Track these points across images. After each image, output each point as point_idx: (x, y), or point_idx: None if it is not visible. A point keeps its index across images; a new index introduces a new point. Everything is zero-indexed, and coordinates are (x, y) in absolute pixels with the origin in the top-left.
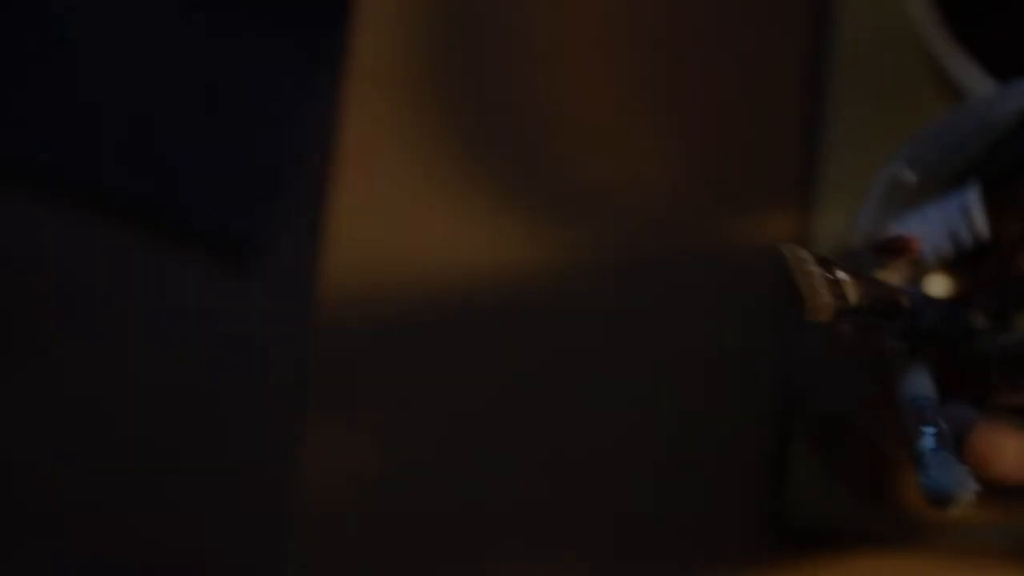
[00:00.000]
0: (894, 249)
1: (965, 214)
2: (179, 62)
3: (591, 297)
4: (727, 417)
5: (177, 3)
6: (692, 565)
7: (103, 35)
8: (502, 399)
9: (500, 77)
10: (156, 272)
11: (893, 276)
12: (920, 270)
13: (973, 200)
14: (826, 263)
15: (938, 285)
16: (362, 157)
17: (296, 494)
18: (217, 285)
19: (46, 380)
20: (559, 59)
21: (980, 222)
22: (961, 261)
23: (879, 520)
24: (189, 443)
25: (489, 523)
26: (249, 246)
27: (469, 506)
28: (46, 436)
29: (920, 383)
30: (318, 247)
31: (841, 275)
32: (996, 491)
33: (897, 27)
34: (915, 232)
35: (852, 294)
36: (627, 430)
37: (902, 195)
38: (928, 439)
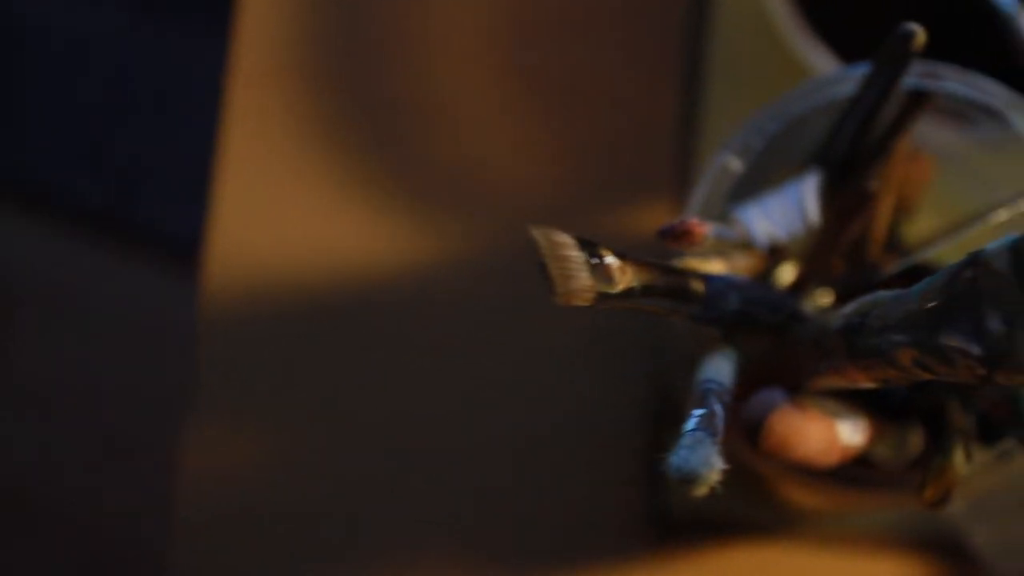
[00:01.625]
0: (674, 234)
1: (800, 203)
2: (131, 65)
3: (473, 293)
4: (607, 412)
5: (129, 7)
6: (575, 561)
7: (57, 41)
8: (384, 396)
9: (383, 75)
10: (115, 276)
11: (742, 263)
12: (779, 257)
13: (808, 189)
14: (590, 247)
15: (789, 272)
16: (245, 155)
17: (179, 493)
18: (176, 288)
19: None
20: (441, 57)
21: (812, 211)
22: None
23: (756, 510)
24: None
25: (371, 521)
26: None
27: (352, 504)
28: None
29: (714, 367)
30: (202, 247)
31: (610, 259)
32: (829, 478)
33: (772, 21)
34: (755, 220)
35: (622, 278)
36: (508, 427)
37: (730, 184)
38: (691, 421)
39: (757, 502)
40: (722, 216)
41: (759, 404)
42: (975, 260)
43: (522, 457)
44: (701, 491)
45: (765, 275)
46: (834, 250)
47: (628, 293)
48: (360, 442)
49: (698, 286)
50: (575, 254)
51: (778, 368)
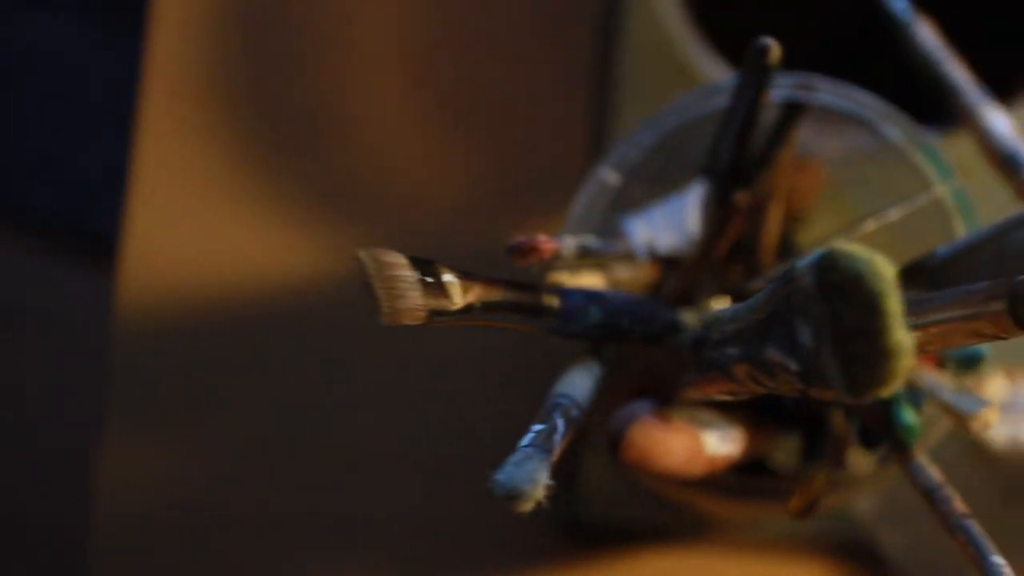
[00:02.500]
0: (521, 251)
1: (682, 214)
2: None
3: None
4: (518, 420)
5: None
6: (487, 569)
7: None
8: (299, 407)
9: (298, 86)
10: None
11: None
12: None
13: (691, 200)
14: (425, 266)
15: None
16: (159, 165)
17: (97, 505)
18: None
19: None
20: (355, 69)
21: (693, 222)
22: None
23: (667, 518)
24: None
25: (288, 531)
26: None
27: (268, 515)
28: None
29: (570, 381)
30: (114, 259)
31: (447, 277)
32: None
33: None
34: (638, 232)
35: (462, 296)
36: (418, 436)
37: (608, 197)
38: (527, 436)
39: (668, 509)
40: (600, 228)
41: (622, 416)
42: (787, 275)
43: (433, 466)
44: (525, 507)
45: (660, 286)
46: (708, 260)
47: (468, 310)
48: (271, 449)
49: (552, 301)
50: (406, 273)
51: (651, 380)
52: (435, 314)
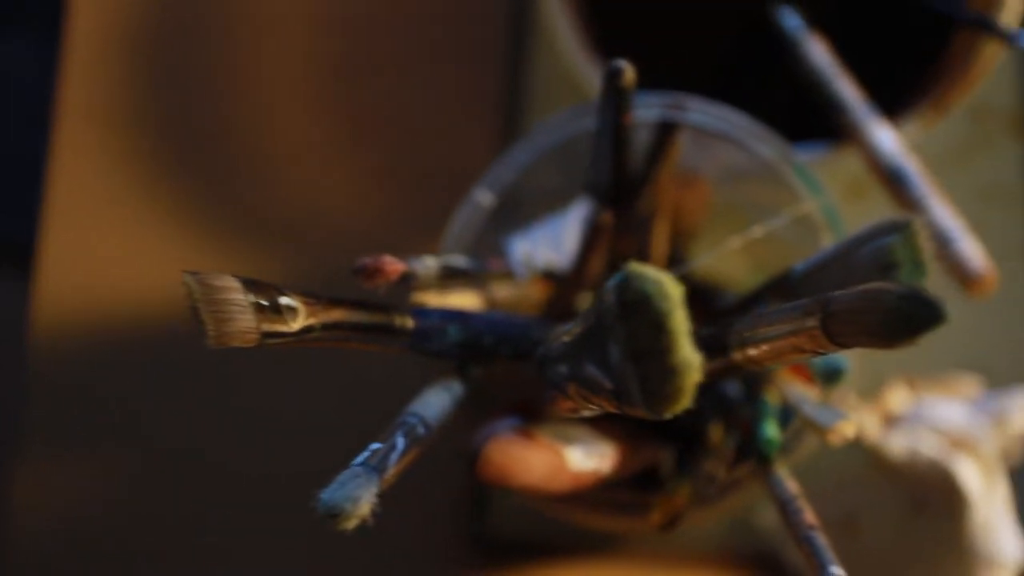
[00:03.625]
0: (367, 273)
1: (561, 232)
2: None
3: None
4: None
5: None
6: None
7: None
8: (211, 423)
9: (211, 111)
10: None
11: (504, 293)
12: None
13: (570, 219)
14: (260, 288)
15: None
16: (72, 190)
17: (10, 521)
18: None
19: None
20: (265, 93)
21: (569, 242)
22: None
23: (578, 530)
24: None
25: (199, 556)
26: None
27: (178, 539)
28: None
29: (425, 400)
30: (29, 283)
31: (285, 300)
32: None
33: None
34: (518, 250)
35: (299, 318)
36: (329, 451)
37: (483, 216)
38: (362, 455)
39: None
40: (475, 247)
41: (481, 434)
42: (598, 295)
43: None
44: (347, 525)
45: (552, 302)
46: (582, 278)
47: (308, 331)
48: (183, 463)
49: (405, 321)
50: (237, 297)
51: (523, 397)
52: (269, 336)
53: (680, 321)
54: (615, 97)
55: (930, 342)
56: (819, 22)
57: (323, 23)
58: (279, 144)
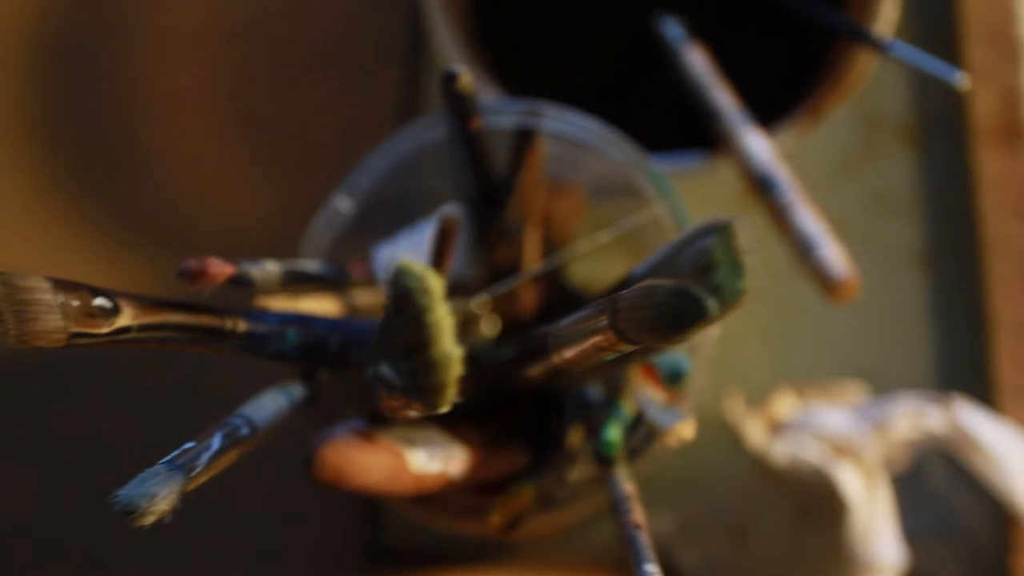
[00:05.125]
0: (191, 276)
1: (423, 240)
2: None
3: None
4: None
5: None
6: None
7: None
8: (94, 442)
9: (108, 120)
10: None
11: (366, 298)
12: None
13: (430, 228)
14: (73, 288)
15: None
16: None
17: None
18: None
19: None
20: (165, 103)
21: (431, 250)
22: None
23: (472, 538)
24: None
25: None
26: None
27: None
28: None
29: (258, 402)
30: None
31: (99, 301)
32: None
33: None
34: (381, 257)
35: (114, 319)
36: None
37: (342, 222)
38: (172, 453)
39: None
40: (332, 252)
41: (317, 436)
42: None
43: (240, 490)
44: (144, 522)
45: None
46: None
47: (124, 331)
48: (65, 484)
49: (237, 324)
50: (45, 297)
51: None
52: (78, 336)
53: (440, 316)
54: (456, 103)
55: (821, 349)
56: (703, 33)
57: (220, 33)
58: (176, 153)
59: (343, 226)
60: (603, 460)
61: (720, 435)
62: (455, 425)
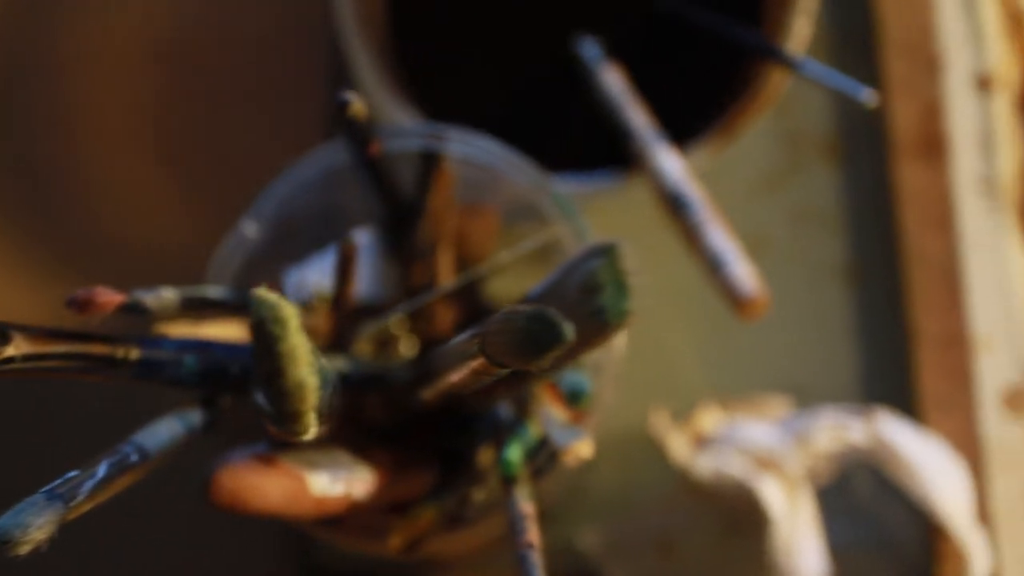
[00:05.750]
0: (79, 305)
1: (329, 262)
2: None
3: None
4: None
5: None
6: None
7: None
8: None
9: (30, 143)
10: None
11: None
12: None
13: (333, 252)
14: None
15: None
16: None
17: None
18: None
19: None
20: (88, 126)
21: (334, 274)
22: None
23: (402, 562)
24: None
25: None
26: None
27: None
28: None
29: (152, 430)
30: None
31: None
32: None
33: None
34: (291, 280)
35: (12, 350)
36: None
37: (247, 247)
38: (53, 483)
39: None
40: (239, 277)
41: (214, 461)
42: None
43: (171, 511)
44: (19, 552)
45: (338, 330)
46: (344, 306)
47: (6, 362)
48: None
49: (130, 352)
50: None
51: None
52: None
53: (292, 345)
54: (350, 129)
55: (749, 364)
56: (620, 53)
57: (143, 57)
58: (98, 177)
59: (251, 250)
60: (505, 479)
61: (648, 451)
62: (366, 446)
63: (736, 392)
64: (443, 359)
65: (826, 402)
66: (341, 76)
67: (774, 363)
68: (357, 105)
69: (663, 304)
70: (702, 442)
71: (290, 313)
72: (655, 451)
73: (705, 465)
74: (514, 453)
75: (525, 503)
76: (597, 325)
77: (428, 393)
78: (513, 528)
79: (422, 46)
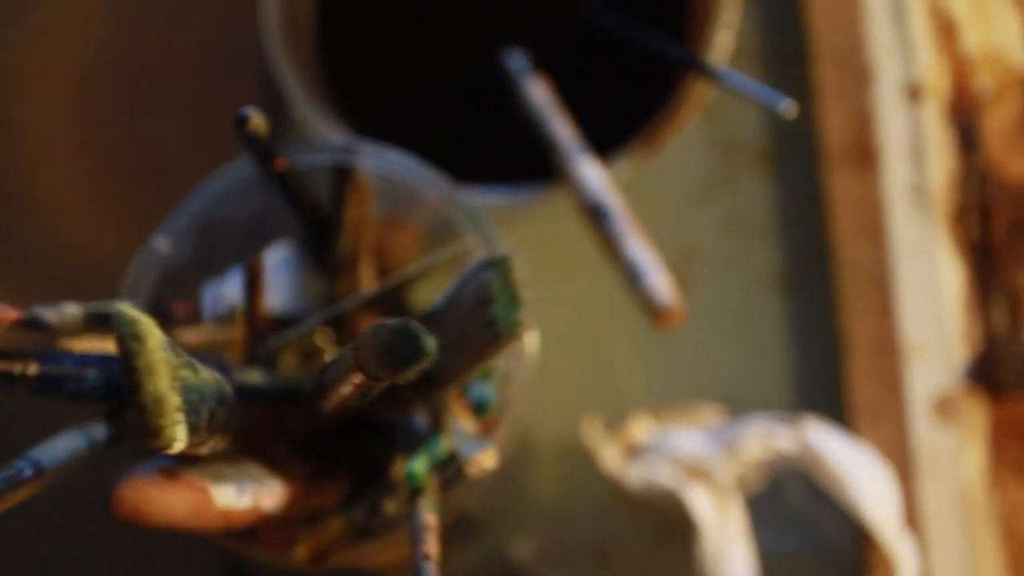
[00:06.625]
0: None
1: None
2: None
3: None
4: None
5: None
6: None
7: None
8: None
9: None
10: None
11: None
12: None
13: (238, 269)
14: None
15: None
16: None
17: None
18: None
19: None
20: (28, 135)
21: (243, 291)
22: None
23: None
24: None
25: None
26: None
27: None
28: None
29: (51, 443)
30: None
31: None
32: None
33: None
34: (209, 295)
35: None
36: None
37: (160, 263)
38: None
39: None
40: (152, 293)
41: (120, 473)
42: None
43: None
44: None
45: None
46: (254, 320)
47: None
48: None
49: (28, 368)
50: None
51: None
52: None
53: (148, 360)
54: (251, 145)
55: (682, 372)
56: (547, 66)
57: (74, 70)
58: (29, 189)
59: (166, 265)
60: (412, 491)
61: (583, 460)
62: (283, 458)
63: (670, 401)
64: (332, 372)
65: (759, 410)
66: (271, 90)
67: (708, 372)
68: (256, 120)
69: (595, 314)
70: (634, 451)
71: (148, 329)
72: (589, 460)
73: (636, 474)
74: (420, 465)
75: (428, 514)
76: (490, 336)
77: (328, 405)
78: (413, 539)
79: (350, 60)
